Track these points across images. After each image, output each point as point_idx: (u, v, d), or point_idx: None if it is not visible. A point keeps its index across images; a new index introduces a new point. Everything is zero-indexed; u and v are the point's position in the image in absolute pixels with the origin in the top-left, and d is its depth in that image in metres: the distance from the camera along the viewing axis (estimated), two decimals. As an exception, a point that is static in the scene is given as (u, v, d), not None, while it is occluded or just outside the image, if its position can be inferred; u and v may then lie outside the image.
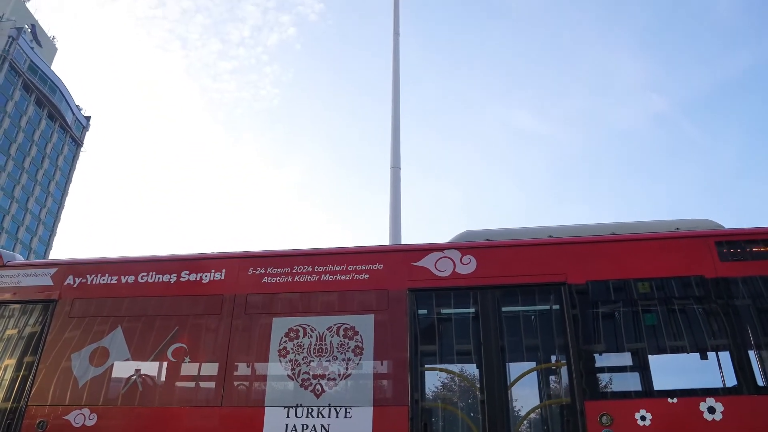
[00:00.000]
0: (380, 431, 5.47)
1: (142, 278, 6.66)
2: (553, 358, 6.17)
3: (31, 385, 6.20)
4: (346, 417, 5.57)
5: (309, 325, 6.07)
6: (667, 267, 5.89)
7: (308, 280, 6.33)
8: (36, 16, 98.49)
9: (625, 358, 5.77)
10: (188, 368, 6.13)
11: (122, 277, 6.69)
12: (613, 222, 6.61)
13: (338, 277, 6.30)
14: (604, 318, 5.84)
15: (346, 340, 5.93)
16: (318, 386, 5.77)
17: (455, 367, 6.09)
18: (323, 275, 6.33)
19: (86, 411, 5.99)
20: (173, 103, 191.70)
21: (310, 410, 5.64)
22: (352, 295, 6.22)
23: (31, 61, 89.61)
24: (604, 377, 5.64)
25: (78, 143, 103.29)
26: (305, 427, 5.57)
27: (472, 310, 6.06)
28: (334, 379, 5.79)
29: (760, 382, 5.26)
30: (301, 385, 5.80)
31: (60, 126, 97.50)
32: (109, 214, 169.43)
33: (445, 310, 6.33)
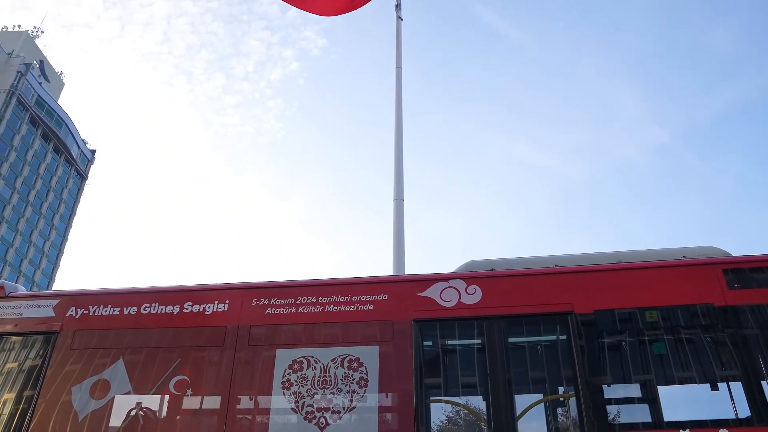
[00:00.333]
0: None
1: (144, 309, 6.61)
2: (561, 389, 6.07)
3: (30, 419, 6.10)
4: (350, 451, 5.46)
5: (313, 357, 6.00)
6: (675, 295, 5.83)
7: (312, 311, 6.27)
8: (45, 52, 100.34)
9: (634, 390, 5.68)
10: (190, 401, 6.04)
11: (124, 309, 6.64)
12: (619, 251, 6.56)
13: (342, 308, 6.24)
14: (612, 348, 5.76)
15: (351, 372, 5.85)
16: (322, 419, 5.67)
17: (461, 400, 6.00)
18: (327, 306, 6.28)
19: (86, 446, 5.88)
20: (178, 137, 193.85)
21: (313, 444, 5.53)
22: (357, 326, 6.15)
23: (39, 95, 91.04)
24: (612, 409, 5.53)
25: (83, 176, 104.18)
26: (309, 461, 5.46)
27: (477, 340, 5.99)
28: (339, 412, 5.69)
29: (774, 413, 5.14)
30: (305, 418, 5.69)
31: (65, 159, 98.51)
32: (113, 247, 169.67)
33: (450, 341, 6.26)
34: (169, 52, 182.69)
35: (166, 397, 6.06)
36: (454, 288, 6.17)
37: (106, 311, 6.67)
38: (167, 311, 6.57)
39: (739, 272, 5.84)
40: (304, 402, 5.76)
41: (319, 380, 5.86)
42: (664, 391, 5.48)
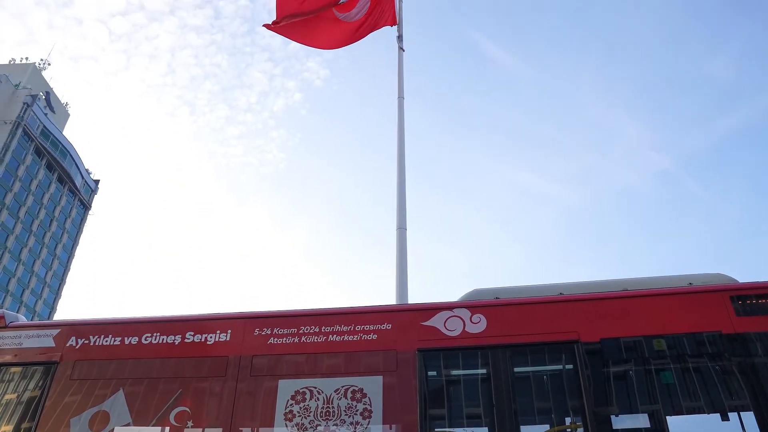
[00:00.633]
0: None
1: (145, 339, 6.55)
2: (567, 419, 5.96)
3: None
4: (354, 484, 5.35)
5: (316, 388, 5.92)
6: (682, 323, 5.76)
7: (315, 341, 6.21)
8: (51, 84, 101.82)
9: (642, 420, 5.57)
10: (191, 433, 5.95)
11: (125, 339, 6.59)
12: (624, 278, 6.52)
13: (346, 338, 6.18)
14: (618, 377, 5.68)
15: (354, 403, 5.76)
16: (325, 451, 5.57)
17: (466, 431, 5.89)
18: (330, 336, 6.22)
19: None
20: (181, 167, 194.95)
21: (316, 477, 5.43)
22: (360, 356, 6.08)
23: (44, 126, 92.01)
24: (621, 440, 5.43)
25: (86, 206, 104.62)
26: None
27: (482, 370, 5.92)
28: (342, 444, 5.59)
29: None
30: (308, 451, 5.60)
31: (69, 189, 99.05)
32: (116, 277, 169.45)
33: (455, 371, 6.18)
34: (173, 83, 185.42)
35: (167, 429, 5.96)
36: (459, 317, 6.12)
37: (106, 341, 6.61)
38: (168, 341, 6.51)
39: (746, 299, 5.78)
40: (306, 434, 5.67)
41: (322, 411, 5.77)
42: (673, 421, 5.37)
